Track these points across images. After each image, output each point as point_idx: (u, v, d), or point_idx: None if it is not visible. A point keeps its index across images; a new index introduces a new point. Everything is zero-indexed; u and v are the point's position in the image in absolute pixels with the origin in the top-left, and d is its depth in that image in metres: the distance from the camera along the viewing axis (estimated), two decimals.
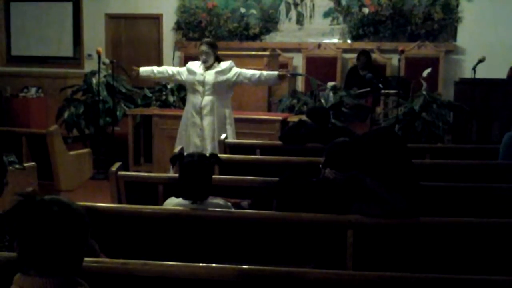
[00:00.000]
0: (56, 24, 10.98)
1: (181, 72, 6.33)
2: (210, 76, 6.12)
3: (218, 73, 6.13)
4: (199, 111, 6.17)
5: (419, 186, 3.43)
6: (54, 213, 1.85)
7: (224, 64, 6.18)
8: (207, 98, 6.15)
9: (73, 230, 1.87)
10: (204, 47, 6.14)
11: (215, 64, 6.16)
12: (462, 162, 5.01)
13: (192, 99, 6.23)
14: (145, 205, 3.59)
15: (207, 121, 6.16)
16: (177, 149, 5.03)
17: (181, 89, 7.98)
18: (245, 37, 10.08)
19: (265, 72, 6.28)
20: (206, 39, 6.51)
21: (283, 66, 9.24)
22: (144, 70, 6.47)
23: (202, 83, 6.13)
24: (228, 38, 10.08)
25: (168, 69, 6.49)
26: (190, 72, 6.21)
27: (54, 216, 1.85)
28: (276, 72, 6.27)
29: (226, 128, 6.24)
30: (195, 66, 6.23)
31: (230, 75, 6.14)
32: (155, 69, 6.49)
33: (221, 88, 6.17)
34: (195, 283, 2.58)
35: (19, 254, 1.88)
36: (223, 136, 5.75)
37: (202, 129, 6.17)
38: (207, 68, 6.13)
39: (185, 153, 6.03)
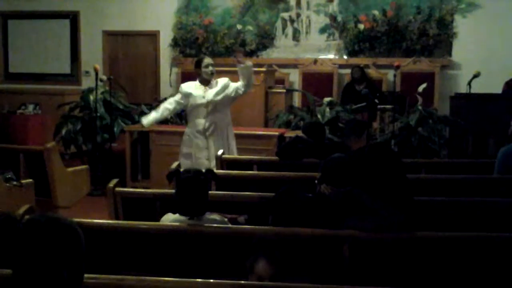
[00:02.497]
0: (54, 41, 11.02)
1: (178, 101, 6.26)
2: (211, 95, 6.09)
3: (218, 92, 6.10)
4: (203, 132, 6.14)
5: (413, 201, 3.45)
6: (43, 231, 1.87)
7: (221, 81, 6.16)
8: (211, 118, 6.13)
9: (63, 247, 1.88)
10: (211, 60, 6.15)
11: (213, 83, 6.14)
12: (458, 177, 5.02)
13: (195, 121, 6.17)
14: (142, 221, 3.60)
15: (212, 140, 6.14)
16: (174, 165, 5.05)
17: None
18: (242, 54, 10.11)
19: (240, 80, 6.16)
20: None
21: (280, 81, 9.29)
22: (148, 122, 6.42)
23: (205, 104, 6.09)
24: (224, 54, 10.12)
25: (167, 107, 6.37)
26: (189, 95, 6.14)
27: (44, 233, 1.86)
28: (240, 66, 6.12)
29: (230, 143, 6.24)
30: (191, 88, 6.17)
31: (228, 91, 6.13)
32: (156, 115, 6.40)
33: (222, 106, 6.17)
34: None
35: (12, 271, 1.90)
36: (220, 152, 5.76)
37: (208, 148, 6.15)
38: (205, 86, 6.10)
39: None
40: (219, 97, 6.10)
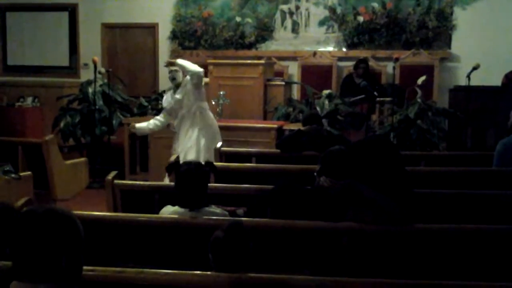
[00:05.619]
0: (52, 33, 10.99)
1: (168, 111, 6.34)
2: (180, 94, 6.18)
3: (182, 87, 6.19)
4: (187, 131, 6.23)
5: (412, 193, 3.45)
6: (40, 221, 1.87)
7: (179, 76, 6.24)
8: (190, 114, 6.21)
9: (61, 237, 1.88)
10: (173, 65, 6.21)
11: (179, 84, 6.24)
12: (457, 169, 5.03)
13: (179, 123, 6.28)
14: (141, 213, 3.60)
15: (195, 133, 6.19)
16: (173, 157, 5.05)
17: None
18: (240, 46, 10.10)
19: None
20: (169, 60, 6.57)
21: (279, 74, 9.27)
22: (139, 127, 6.50)
23: (180, 104, 6.19)
24: (223, 47, 10.10)
25: (159, 120, 6.45)
26: (170, 104, 6.28)
27: (41, 223, 1.87)
28: None
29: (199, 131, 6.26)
30: (167, 98, 6.33)
31: (186, 87, 6.19)
32: (149, 126, 6.47)
33: (192, 97, 6.19)
34: None
35: (12, 262, 1.90)
36: (219, 144, 5.76)
37: (198, 142, 6.21)
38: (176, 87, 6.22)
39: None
40: (182, 92, 6.17)
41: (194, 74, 6.13)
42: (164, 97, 6.45)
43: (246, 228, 2.75)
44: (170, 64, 6.22)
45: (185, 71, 6.17)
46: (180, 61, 6.21)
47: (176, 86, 6.26)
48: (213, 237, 2.67)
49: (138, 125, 6.51)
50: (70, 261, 1.90)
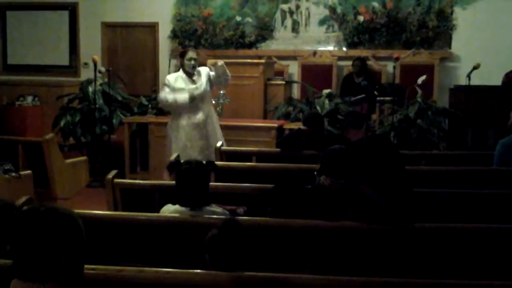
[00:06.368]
0: (53, 32, 10.99)
1: (168, 92, 6.17)
2: (199, 86, 6.17)
3: (203, 82, 6.19)
4: (202, 123, 6.21)
5: (412, 193, 3.45)
6: (41, 219, 1.87)
7: (204, 71, 6.25)
8: (206, 108, 6.24)
9: (62, 236, 1.88)
10: (195, 54, 6.23)
11: (196, 73, 6.22)
12: (457, 169, 5.02)
13: (191, 114, 6.19)
14: (141, 212, 3.60)
15: (210, 128, 6.23)
16: (173, 156, 5.05)
17: None
18: (240, 45, 10.10)
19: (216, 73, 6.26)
20: (190, 47, 6.58)
21: (279, 73, 9.27)
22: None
23: (195, 96, 6.12)
24: (224, 46, 10.10)
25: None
26: (177, 89, 6.13)
27: (42, 222, 1.87)
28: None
29: (218, 131, 6.35)
30: (178, 81, 6.18)
31: (212, 80, 6.23)
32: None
33: (209, 95, 6.31)
34: None
35: (13, 261, 1.90)
36: (219, 144, 5.77)
37: (207, 138, 6.21)
38: (193, 79, 6.18)
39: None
40: (207, 87, 6.22)
41: (228, 81, 6.27)
42: (173, 78, 6.24)
43: (242, 225, 2.74)
44: (214, 64, 6.20)
45: (224, 73, 6.17)
46: (222, 62, 6.21)
47: (188, 75, 6.18)
48: (208, 236, 2.67)
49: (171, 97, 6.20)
50: (71, 261, 1.90)
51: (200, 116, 6.20)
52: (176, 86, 6.15)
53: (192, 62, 6.13)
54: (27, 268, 1.86)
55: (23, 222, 1.87)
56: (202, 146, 6.22)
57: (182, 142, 6.26)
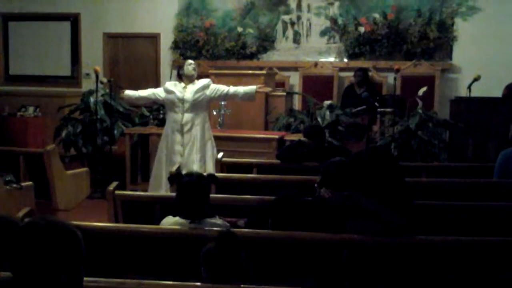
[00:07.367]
0: (54, 43, 11.02)
1: (156, 93, 6.54)
2: (189, 93, 6.32)
3: (196, 90, 6.33)
4: (180, 128, 6.34)
5: (413, 205, 3.45)
6: (41, 234, 1.87)
7: (202, 82, 6.40)
8: (187, 115, 6.33)
9: (62, 251, 1.88)
10: (194, 62, 6.48)
11: (195, 82, 6.39)
12: (458, 181, 5.03)
13: (173, 117, 6.39)
14: (142, 224, 3.60)
15: (188, 137, 6.33)
16: (174, 168, 5.06)
17: None
18: (242, 56, 10.12)
19: (241, 89, 6.43)
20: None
21: (280, 84, 9.28)
22: (127, 94, 6.72)
23: (182, 100, 6.32)
24: (225, 57, 10.13)
25: (145, 92, 6.68)
26: (169, 91, 6.40)
27: (41, 237, 1.87)
28: (254, 88, 6.42)
29: (207, 142, 6.42)
30: (173, 86, 6.45)
31: (208, 91, 6.36)
32: (136, 93, 6.70)
33: (200, 105, 6.36)
34: None
35: (12, 275, 1.90)
36: (220, 155, 5.78)
37: (183, 145, 6.32)
38: (186, 85, 6.35)
39: (164, 172, 6.23)
40: (196, 96, 6.32)
41: (229, 95, 6.44)
42: (171, 82, 6.63)
43: (238, 238, 2.74)
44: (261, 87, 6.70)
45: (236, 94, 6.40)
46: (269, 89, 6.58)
47: (186, 82, 6.39)
48: (204, 249, 2.67)
49: (127, 92, 6.73)
50: (71, 275, 1.90)
51: (179, 119, 6.33)
52: (168, 88, 6.43)
53: (192, 65, 6.39)
54: (27, 283, 1.86)
55: (22, 237, 1.87)
56: (178, 150, 6.34)
57: (162, 144, 6.51)
